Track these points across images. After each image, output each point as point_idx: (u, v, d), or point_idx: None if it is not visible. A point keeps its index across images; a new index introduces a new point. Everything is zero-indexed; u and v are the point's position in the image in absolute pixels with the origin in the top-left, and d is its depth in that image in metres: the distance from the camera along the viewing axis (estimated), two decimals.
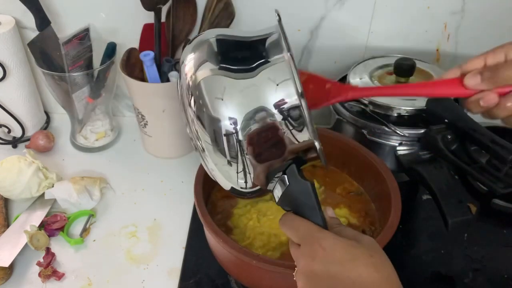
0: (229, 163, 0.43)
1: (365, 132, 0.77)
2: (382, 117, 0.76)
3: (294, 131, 0.42)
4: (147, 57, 0.81)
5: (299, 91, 0.40)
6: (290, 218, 0.44)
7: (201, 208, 0.62)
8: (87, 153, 0.95)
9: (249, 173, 0.44)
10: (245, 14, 0.86)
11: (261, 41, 0.44)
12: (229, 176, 0.45)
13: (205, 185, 0.66)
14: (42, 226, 0.77)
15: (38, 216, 0.78)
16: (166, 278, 0.71)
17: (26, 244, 0.73)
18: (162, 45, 0.84)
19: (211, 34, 0.45)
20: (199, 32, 0.86)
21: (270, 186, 0.46)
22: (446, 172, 0.72)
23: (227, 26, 0.82)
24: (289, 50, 0.41)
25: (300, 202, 0.44)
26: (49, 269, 0.70)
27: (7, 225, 0.77)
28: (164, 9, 0.82)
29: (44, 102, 1.02)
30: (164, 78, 0.84)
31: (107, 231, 0.78)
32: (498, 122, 0.87)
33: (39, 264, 0.71)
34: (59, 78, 0.84)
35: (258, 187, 0.46)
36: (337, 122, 0.82)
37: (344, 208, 0.71)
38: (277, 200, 0.46)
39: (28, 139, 0.95)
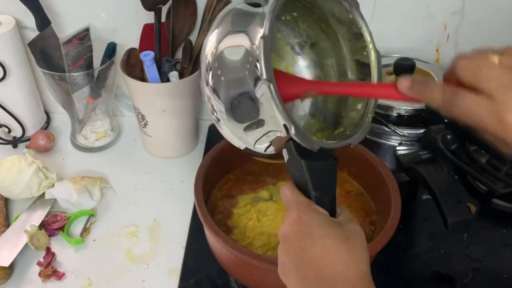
0: (245, 130, 0.45)
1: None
2: (382, 117, 0.76)
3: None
4: (147, 57, 0.81)
5: (264, 77, 0.40)
6: (288, 187, 0.46)
7: (201, 208, 0.62)
8: (87, 153, 0.95)
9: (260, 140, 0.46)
10: None
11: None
12: (244, 140, 0.47)
13: (205, 185, 0.66)
14: (42, 226, 0.77)
15: (38, 216, 0.78)
16: (166, 278, 0.71)
17: (26, 244, 0.73)
18: (162, 45, 0.84)
19: (230, 7, 0.46)
20: (199, 32, 0.86)
21: (283, 151, 0.48)
22: (446, 172, 0.72)
23: None
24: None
25: (297, 176, 0.46)
26: (49, 269, 0.71)
27: (7, 225, 0.77)
28: (164, 9, 0.82)
29: (44, 102, 1.03)
30: (164, 78, 0.84)
31: (107, 231, 0.78)
32: None
33: (39, 264, 0.72)
34: (59, 78, 0.84)
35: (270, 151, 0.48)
36: None
37: (344, 208, 0.71)
38: (285, 164, 0.48)
39: (28, 139, 0.95)
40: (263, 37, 0.41)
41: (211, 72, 0.45)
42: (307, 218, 0.43)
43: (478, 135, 0.39)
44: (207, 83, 0.45)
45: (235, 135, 0.48)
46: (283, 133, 0.43)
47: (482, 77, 0.37)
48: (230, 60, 0.43)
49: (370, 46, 0.51)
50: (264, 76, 0.40)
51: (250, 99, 0.42)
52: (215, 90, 0.45)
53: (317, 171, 0.45)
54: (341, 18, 0.50)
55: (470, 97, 0.37)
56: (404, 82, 0.42)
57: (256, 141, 0.46)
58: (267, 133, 0.45)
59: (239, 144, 0.49)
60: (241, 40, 0.42)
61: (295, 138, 0.43)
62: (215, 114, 0.47)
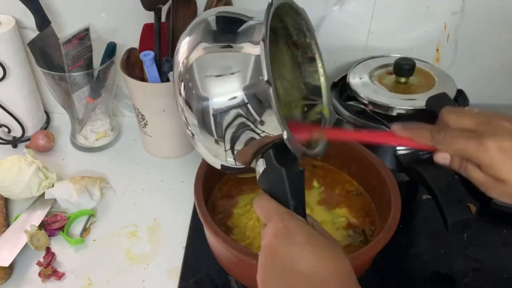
0: (216, 142, 0.44)
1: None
2: (382, 117, 0.76)
3: (262, 117, 0.43)
4: (147, 57, 0.81)
5: (266, 78, 0.41)
6: (264, 199, 0.46)
7: (201, 208, 0.62)
8: (87, 153, 0.95)
9: (234, 151, 0.45)
10: None
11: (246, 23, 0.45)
12: (217, 154, 0.46)
13: (205, 185, 0.66)
14: (42, 226, 0.77)
15: (38, 216, 0.78)
16: (166, 278, 0.71)
17: (26, 244, 0.73)
18: (162, 45, 0.84)
19: (207, 14, 0.46)
20: None
21: (253, 164, 0.48)
22: (446, 172, 0.72)
23: None
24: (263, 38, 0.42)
25: (274, 186, 0.46)
26: (49, 269, 0.71)
27: (7, 225, 0.77)
28: (164, 9, 0.82)
29: (44, 102, 1.03)
30: (164, 78, 0.84)
31: (107, 231, 0.78)
32: None
33: (39, 263, 0.72)
34: (59, 78, 0.84)
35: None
36: (337, 122, 0.82)
37: (344, 208, 0.71)
38: (257, 180, 0.48)
39: (28, 139, 0.95)
40: (263, 40, 0.41)
41: (182, 83, 0.44)
42: (294, 227, 0.42)
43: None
44: (180, 93, 0.45)
45: (210, 151, 0.47)
46: (266, 139, 0.44)
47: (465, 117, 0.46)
48: (202, 74, 0.43)
49: (321, 71, 0.54)
50: (266, 77, 0.41)
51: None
52: (187, 102, 0.44)
53: (293, 180, 0.45)
54: (298, 42, 0.53)
55: (453, 130, 0.46)
56: (397, 126, 0.49)
57: (226, 151, 0.46)
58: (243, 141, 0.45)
59: (214, 162, 0.48)
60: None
61: (287, 142, 0.43)
62: (189, 128, 0.46)
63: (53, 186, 0.82)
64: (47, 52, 0.86)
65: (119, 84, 0.97)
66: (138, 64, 0.85)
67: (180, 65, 0.44)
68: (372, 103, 0.77)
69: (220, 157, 0.47)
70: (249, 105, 0.42)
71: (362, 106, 0.78)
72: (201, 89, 0.43)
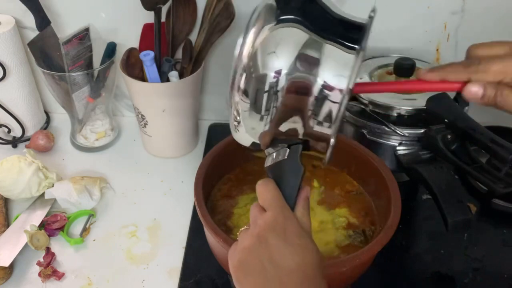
0: (261, 118, 0.44)
1: (365, 132, 0.77)
2: (382, 117, 0.76)
3: (320, 118, 0.43)
4: (147, 57, 0.81)
5: (349, 87, 0.41)
6: (272, 185, 0.46)
7: (201, 208, 0.62)
8: (87, 153, 0.95)
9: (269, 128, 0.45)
10: (245, 14, 0.86)
11: (346, 22, 0.46)
12: (256, 132, 0.46)
13: (205, 185, 0.66)
14: (42, 225, 0.77)
15: (38, 216, 0.78)
16: (166, 278, 0.71)
17: (26, 244, 0.73)
18: (162, 45, 0.84)
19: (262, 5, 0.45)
20: (199, 32, 0.85)
21: (269, 150, 0.48)
22: (446, 172, 0.72)
23: (227, 26, 0.82)
24: (363, 48, 0.42)
25: (286, 179, 0.46)
26: (49, 269, 0.71)
27: (7, 225, 0.77)
28: (164, 9, 0.82)
29: (44, 102, 1.03)
30: (164, 78, 0.84)
31: (107, 231, 0.78)
32: (498, 122, 0.87)
33: (39, 264, 0.72)
34: (59, 78, 0.84)
35: None
36: None
37: (344, 208, 0.71)
38: (267, 164, 0.48)
39: (28, 139, 0.95)
40: (362, 49, 0.43)
41: (245, 74, 0.43)
42: (292, 226, 0.43)
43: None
44: (239, 88, 0.44)
45: (250, 131, 0.46)
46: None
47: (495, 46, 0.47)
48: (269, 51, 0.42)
49: None
50: (347, 87, 0.41)
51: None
52: (245, 91, 0.43)
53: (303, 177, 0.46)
54: None
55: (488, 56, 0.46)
56: (425, 71, 0.48)
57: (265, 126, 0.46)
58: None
59: (249, 140, 0.48)
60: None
61: (329, 150, 0.44)
62: (237, 118, 0.46)
63: (53, 186, 0.82)
64: (47, 52, 0.86)
65: (119, 84, 0.97)
66: (138, 64, 0.85)
67: (245, 58, 0.43)
68: (372, 103, 0.77)
69: (257, 134, 0.47)
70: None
71: (362, 106, 0.78)
72: (261, 68, 0.42)
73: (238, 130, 0.47)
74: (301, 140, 0.46)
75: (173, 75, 0.84)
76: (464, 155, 0.72)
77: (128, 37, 0.88)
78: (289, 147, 0.46)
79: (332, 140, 0.43)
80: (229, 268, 0.45)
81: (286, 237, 0.42)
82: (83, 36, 0.84)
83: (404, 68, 0.78)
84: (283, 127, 0.45)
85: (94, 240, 0.77)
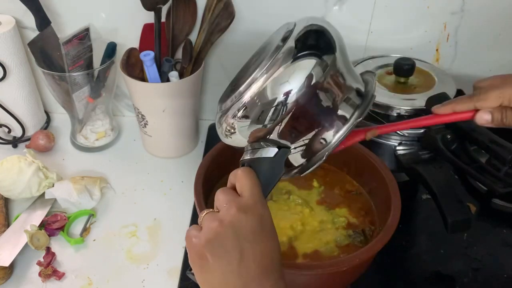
0: (264, 126, 0.47)
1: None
2: (382, 117, 0.76)
3: (324, 133, 0.48)
4: (147, 57, 0.81)
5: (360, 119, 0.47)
6: (254, 174, 0.46)
7: (201, 208, 0.62)
8: (87, 153, 0.95)
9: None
10: (245, 14, 0.86)
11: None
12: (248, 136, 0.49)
13: (205, 185, 0.66)
14: (42, 225, 0.77)
15: (38, 216, 0.78)
16: (166, 278, 0.71)
17: (26, 244, 0.73)
18: (162, 45, 0.84)
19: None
20: (199, 32, 0.85)
21: (253, 145, 0.49)
22: (446, 172, 0.72)
23: (227, 26, 0.82)
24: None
25: (265, 176, 0.48)
26: (49, 269, 0.71)
27: (7, 224, 0.77)
28: (164, 9, 0.82)
29: (44, 102, 1.03)
30: (164, 78, 0.84)
31: (107, 230, 0.78)
32: None
33: (39, 263, 0.72)
34: (59, 78, 0.84)
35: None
36: None
37: (344, 208, 0.71)
38: (246, 157, 0.49)
39: (28, 139, 0.95)
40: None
41: (245, 108, 0.46)
42: (267, 217, 0.44)
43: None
44: (235, 115, 0.47)
45: (245, 137, 0.49)
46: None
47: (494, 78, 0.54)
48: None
49: None
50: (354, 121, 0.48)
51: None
52: (245, 117, 0.47)
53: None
54: None
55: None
56: (436, 107, 0.55)
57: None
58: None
59: (244, 143, 0.50)
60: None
61: (325, 158, 0.49)
62: (232, 130, 0.49)
63: (53, 186, 0.82)
64: (47, 52, 0.86)
65: (119, 84, 0.97)
66: (138, 64, 0.85)
67: (249, 97, 0.46)
68: None
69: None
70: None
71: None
72: (271, 95, 0.45)
73: (231, 137, 0.50)
74: (289, 146, 0.48)
75: (173, 75, 0.84)
76: (464, 155, 0.72)
77: (128, 37, 0.88)
78: (278, 148, 0.48)
79: (324, 158, 0.48)
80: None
81: (262, 223, 0.44)
82: (83, 36, 0.84)
83: (404, 68, 0.78)
84: (283, 132, 0.47)
85: (94, 240, 0.77)
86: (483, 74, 0.91)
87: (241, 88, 0.47)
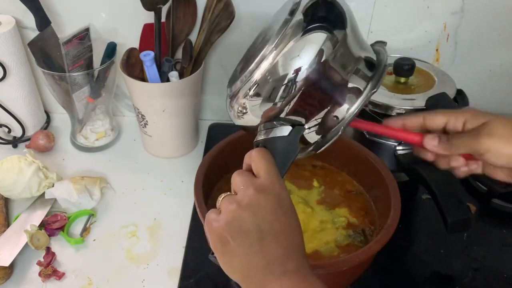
0: (275, 104, 0.46)
1: (365, 132, 0.77)
2: (381, 116, 0.76)
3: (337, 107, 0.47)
4: (147, 57, 0.81)
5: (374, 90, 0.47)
6: (269, 154, 0.46)
7: (201, 208, 0.62)
8: (87, 153, 0.95)
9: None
10: (245, 14, 0.86)
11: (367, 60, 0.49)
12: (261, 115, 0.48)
13: (205, 185, 0.66)
14: (42, 225, 0.77)
15: (38, 216, 0.78)
16: (166, 278, 0.71)
17: (26, 244, 0.73)
18: (162, 45, 0.84)
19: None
20: (199, 32, 0.86)
21: (266, 125, 0.49)
22: (446, 172, 0.72)
23: (227, 26, 0.82)
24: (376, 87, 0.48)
25: (281, 154, 0.47)
26: (49, 269, 0.71)
27: (7, 224, 0.77)
28: (164, 9, 0.82)
29: (44, 102, 1.03)
30: (164, 78, 0.84)
31: (107, 230, 0.78)
32: None
33: (39, 263, 0.72)
34: (59, 78, 0.84)
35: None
36: None
37: (344, 208, 0.71)
38: (260, 138, 0.49)
39: (28, 139, 0.95)
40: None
41: (257, 84, 0.46)
42: (284, 193, 0.44)
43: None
44: (246, 95, 0.47)
45: (258, 116, 0.48)
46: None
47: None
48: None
49: None
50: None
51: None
52: (257, 94, 0.46)
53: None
54: None
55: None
56: (431, 141, 0.53)
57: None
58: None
59: (256, 121, 0.50)
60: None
61: (341, 132, 0.47)
62: (243, 110, 0.48)
63: (53, 186, 0.82)
64: (47, 52, 0.86)
65: (119, 84, 0.97)
66: (138, 64, 0.85)
67: (260, 74, 0.46)
68: (371, 103, 0.77)
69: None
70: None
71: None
72: (282, 70, 0.45)
73: (243, 118, 0.49)
74: (303, 124, 0.47)
75: (173, 75, 0.84)
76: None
77: (128, 37, 0.88)
78: (292, 126, 0.47)
79: (339, 132, 0.47)
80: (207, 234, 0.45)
81: (280, 202, 0.43)
82: (83, 36, 0.84)
83: (404, 68, 0.78)
84: (296, 110, 0.47)
85: (94, 240, 0.77)
86: (483, 74, 0.92)
87: (251, 67, 0.46)
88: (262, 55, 0.45)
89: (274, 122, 0.48)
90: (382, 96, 0.77)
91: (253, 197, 0.43)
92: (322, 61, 0.44)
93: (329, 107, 0.47)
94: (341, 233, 0.67)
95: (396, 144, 0.77)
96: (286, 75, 0.44)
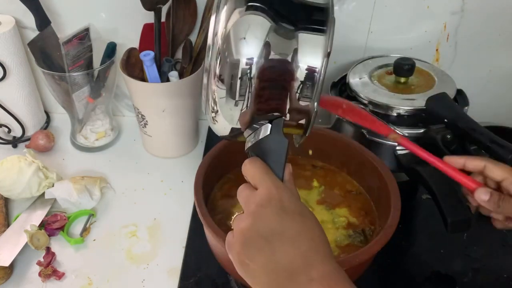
0: (236, 103, 0.44)
1: (364, 132, 0.77)
2: (381, 116, 0.76)
3: (302, 86, 0.44)
4: (147, 57, 0.81)
5: (328, 51, 0.43)
6: (259, 161, 0.46)
7: (201, 208, 0.62)
8: (87, 153, 0.95)
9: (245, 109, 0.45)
10: None
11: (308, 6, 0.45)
12: (232, 117, 0.46)
13: (205, 185, 0.66)
14: (42, 225, 0.77)
15: (38, 216, 0.78)
16: (166, 278, 0.71)
17: (26, 244, 0.73)
18: (162, 45, 0.84)
19: None
20: (199, 32, 0.86)
21: (249, 131, 0.47)
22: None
23: None
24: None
25: (271, 153, 0.46)
26: (49, 269, 0.71)
27: (7, 224, 0.77)
28: (164, 9, 0.82)
29: (44, 102, 1.03)
30: (164, 78, 0.84)
31: (107, 230, 0.78)
32: (498, 122, 0.87)
33: (39, 263, 0.72)
34: (59, 78, 0.84)
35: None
36: (336, 122, 0.83)
37: (344, 207, 0.71)
38: (248, 145, 0.48)
39: (28, 139, 0.95)
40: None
41: (219, 58, 0.43)
42: (286, 195, 0.43)
43: None
44: (215, 75, 0.44)
45: (228, 118, 0.47)
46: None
47: None
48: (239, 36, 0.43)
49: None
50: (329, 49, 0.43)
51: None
52: (220, 77, 0.44)
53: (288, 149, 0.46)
54: None
55: None
56: (483, 195, 0.57)
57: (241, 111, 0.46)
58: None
59: (228, 127, 0.48)
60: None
61: (312, 118, 0.46)
62: (215, 108, 0.46)
63: (53, 186, 0.82)
64: (47, 52, 0.86)
65: (119, 84, 0.97)
66: (138, 64, 0.85)
67: (219, 40, 0.44)
68: (372, 103, 0.77)
69: (234, 119, 0.47)
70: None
71: (362, 106, 0.78)
72: (235, 53, 0.43)
73: (217, 121, 0.47)
74: (281, 115, 0.46)
75: (173, 75, 0.84)
76: (464, 155, 0.72)
77: (128, 37, 0.88)
78: (270, 122, 0.46)
79: (315, 105, 0.44)
80: (230, 269, 0.45)
81: (283, 207, 0.42)
82: (83, 36, 0.84)
83: (404, 68, 0.78)
84: (263, 106, 0.45)
85: (94, 240, 0.77)
86: (483, 74, 0.92)
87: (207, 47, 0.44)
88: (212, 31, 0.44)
89: (254, 125, 0.46)
90: (382, 96, 0.77)
91: (256, 213, 0.42)
92: (269, 54, 0.42)
93: (295, 88, 0.44)
94: (341, 233, 0.67)
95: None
96: (238, 61, 0.42)
